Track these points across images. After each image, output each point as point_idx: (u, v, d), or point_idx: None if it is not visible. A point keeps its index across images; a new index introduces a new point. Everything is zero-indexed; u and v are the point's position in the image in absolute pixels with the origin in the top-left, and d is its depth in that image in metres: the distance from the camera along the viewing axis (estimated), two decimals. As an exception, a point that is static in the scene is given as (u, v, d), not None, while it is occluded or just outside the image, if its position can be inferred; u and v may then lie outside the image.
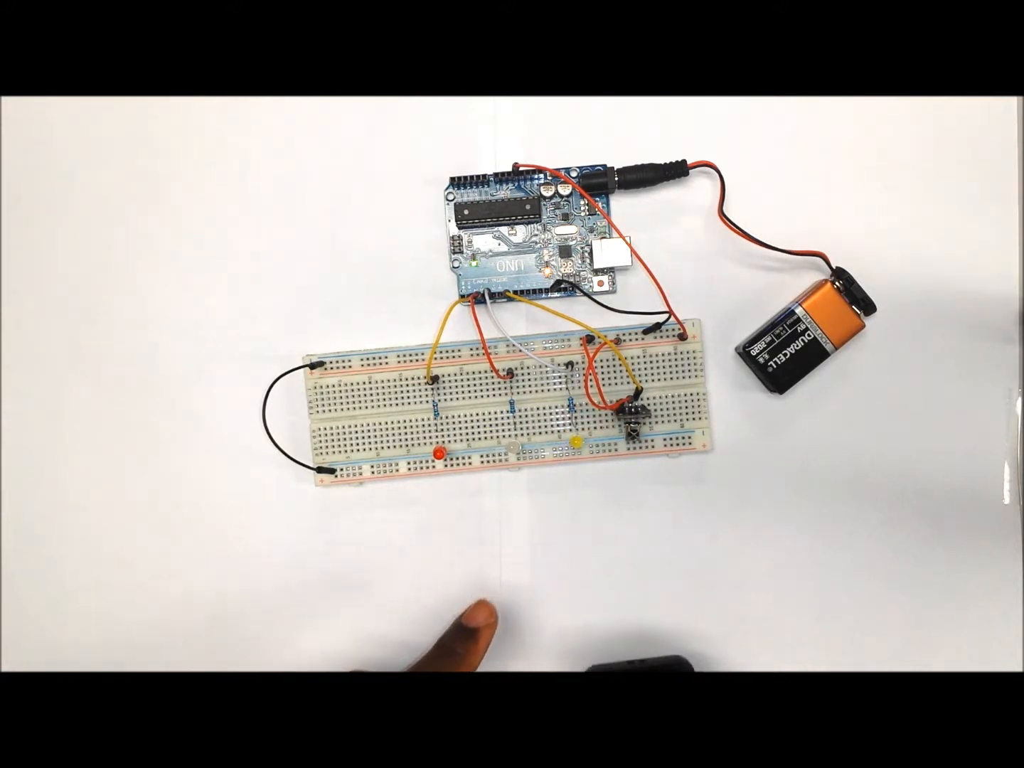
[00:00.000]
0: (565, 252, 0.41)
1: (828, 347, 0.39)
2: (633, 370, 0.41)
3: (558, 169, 0.41)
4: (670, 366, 0.41)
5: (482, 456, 0.41)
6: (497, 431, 0.41)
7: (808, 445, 0.41)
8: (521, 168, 0.41)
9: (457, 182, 0.41)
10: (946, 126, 0.41)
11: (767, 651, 0.41)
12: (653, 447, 0.41)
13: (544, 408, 0.41)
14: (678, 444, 0.41)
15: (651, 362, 0.41)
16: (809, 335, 0.39)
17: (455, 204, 0.41)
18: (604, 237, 0.41)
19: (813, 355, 0.39)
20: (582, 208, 0.41)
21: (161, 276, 0.42)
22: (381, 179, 0.42)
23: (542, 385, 0.41)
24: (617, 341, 0.41)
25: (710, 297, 0.41)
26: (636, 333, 0.41)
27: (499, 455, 0.41)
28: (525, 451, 0.41)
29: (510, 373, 0.41)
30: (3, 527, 0.42)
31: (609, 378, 0.41)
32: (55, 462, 0.42)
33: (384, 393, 0.41)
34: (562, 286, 0.41)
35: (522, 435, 0.41)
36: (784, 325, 0.39)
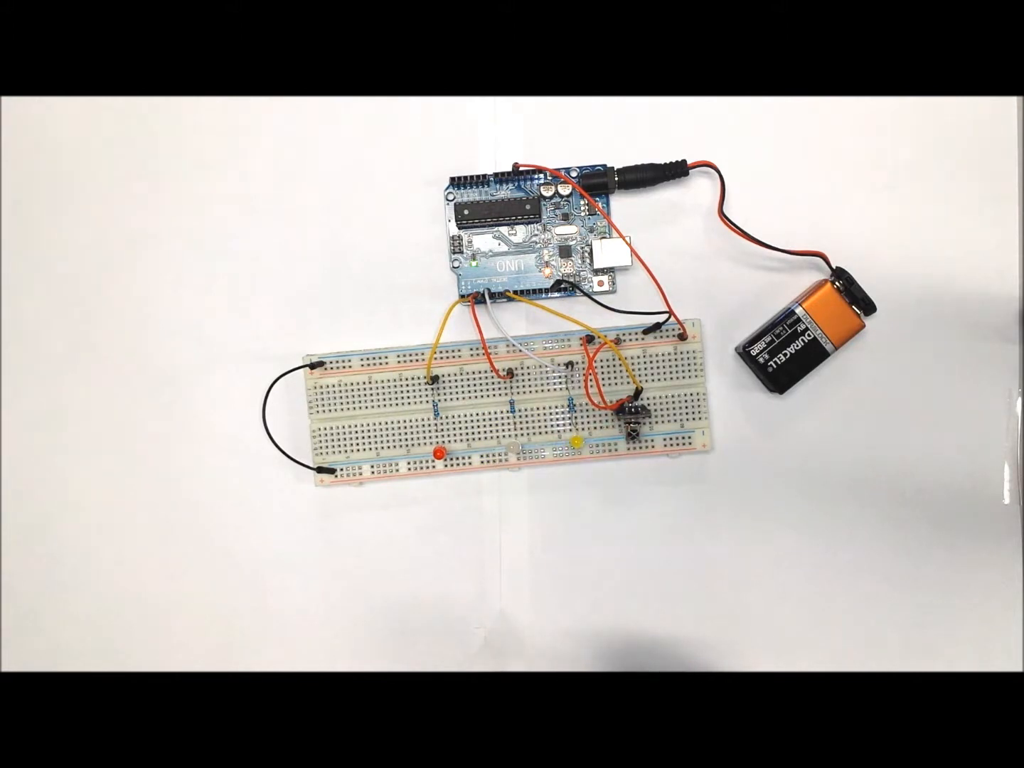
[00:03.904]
0: (565, 252, 0.41)
1: (828, 347, 0.39)
2: (633, 370, 0.41)
3: (558, 169, 0.41)
4: (670, 366, 0.41)
5: (482, 456, 0.41)
6: (497, 431, 0.41)
7: (808, 445, 0.41)
8: (521, 168, 0.41)
9: (457, 182, 0.41)
10: (946, 126, 0.41)
11: (767, 651, 0.41)
12: (653, 447, 0.41)
13: (544, 408, 0.41)
14: (678, 444, 0.41)
15: (651, 362, 0.41)
16: (809, 335, 0.39)
17: (455, 204, 0.41)
18: (604, 237, 0.41)
19: (813, 355, 0.39)
20: (582, 208, 0.41)
21: (161, 276, 0.42)
22: (381, 179, 0.41)
23: (542, 385, 0.41)
24: (617, 341, 0.41)
25: (710, 297, 0.41)
26: (636, 333, 0.41)
27: (499, 455, 0.41)
28: (525, 451, 0.41)
29: (510, 373, 0.41)
30: (3, 527, 0.42)
31: (609, 378, 0.41)
32: (55, 462, 0.42)
33: (384, 393, 0.41)
34: (562, 286, 0.41)
35: (522, 435, 0.41)
36: (784, 325, 0.39)
